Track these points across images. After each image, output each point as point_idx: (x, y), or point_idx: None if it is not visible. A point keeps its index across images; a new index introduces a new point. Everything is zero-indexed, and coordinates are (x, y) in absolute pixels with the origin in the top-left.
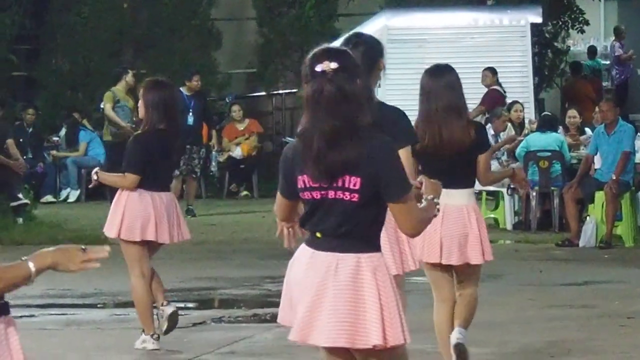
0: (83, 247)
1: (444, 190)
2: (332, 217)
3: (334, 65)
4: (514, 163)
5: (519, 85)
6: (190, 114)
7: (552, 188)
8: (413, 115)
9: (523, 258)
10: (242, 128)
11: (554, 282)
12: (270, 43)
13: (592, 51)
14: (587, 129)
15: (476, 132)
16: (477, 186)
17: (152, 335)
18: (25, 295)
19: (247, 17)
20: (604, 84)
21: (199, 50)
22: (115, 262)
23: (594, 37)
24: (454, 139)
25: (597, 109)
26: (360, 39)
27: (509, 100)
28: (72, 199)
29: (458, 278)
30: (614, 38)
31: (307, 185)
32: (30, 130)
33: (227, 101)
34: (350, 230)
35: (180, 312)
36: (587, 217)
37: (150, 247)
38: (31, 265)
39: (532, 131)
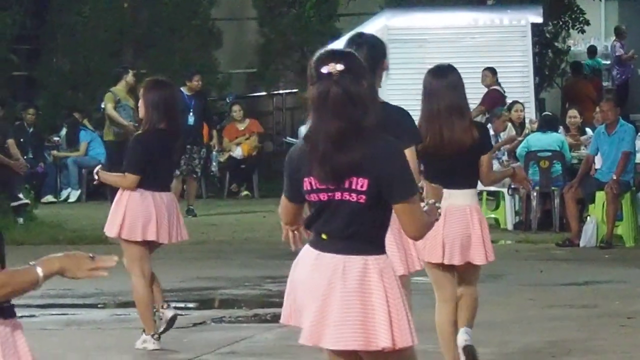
0: (91, 254)
1: (446, 191)
2: (339, 218)
3: (340, 67)
4: (514, 163)
5: (519, 85)
6: (191, 114)
7: (553, 188)
8: (414, 116)
9: (524, 258)
10: (242, 128)
11: (554, 282)
12: (271, 43)
13: (591, 50)
14: (587, 130)
15: (479, 133)
16: (478, 186)
17: (152, 335)
18: (26, 294)
19: (247, 16)
20: (604, 84)
21: (200, 50)
22: (116, 262)
23: (595, 37)
24: (454, 139)
25: (597, 109)
26: (364, 39)
27: (509, 100)
28: (72, 199)
29: (459, 277)
30: (614, 38)
31: (314, 187)
32: (31, 130)
33: (228, 101)
34: (356, 231)
35: (180, 312)
36: (588, 217)
37: (149, 246)
38: (39, 270)
39: (532, 131)
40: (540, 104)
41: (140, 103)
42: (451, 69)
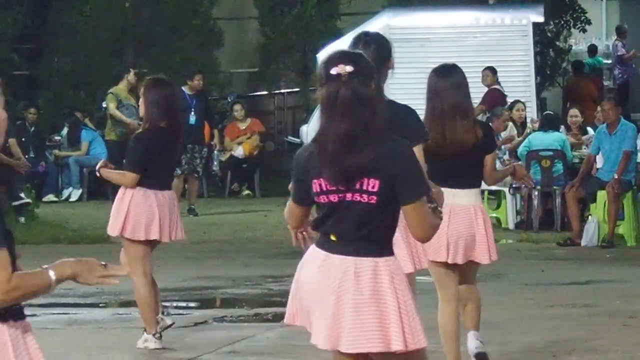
0: (104, 262)
1: (450, 190)
2: (350, 219)
3: (349, 68)
4: (515, 162)
5: (520, 84)
6: (192, 113)
7: (554, 187)
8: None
9: (525, 257)
10: (243, 127)
11: (555, 281)
12: (272, 42)
13: (592, 49)
14: (589, 129)
15: (483, 133)
16: (481, 185)
17: (154, 335)
18: None
19: (248, 16)
20: (605, 83)
21: (201, 49)
22: (117, 262)
23: (596, 36)
24: (457, 138)
25: (599, 108)
26: (370, 38)
27: (511, 100)
28: (74, 198)
29: (460, 276)
30: (615, 37)
31: (324, 189)
32: (32, 129)
33: (229, 100)
34: (367, 233)
35: (181, 311)
36: (589, 217)
37: (151, 245)
38: (52, 274)
39: (534, 130)
40: (541, 103)
41: (141, 102)
42: (455, 69)
